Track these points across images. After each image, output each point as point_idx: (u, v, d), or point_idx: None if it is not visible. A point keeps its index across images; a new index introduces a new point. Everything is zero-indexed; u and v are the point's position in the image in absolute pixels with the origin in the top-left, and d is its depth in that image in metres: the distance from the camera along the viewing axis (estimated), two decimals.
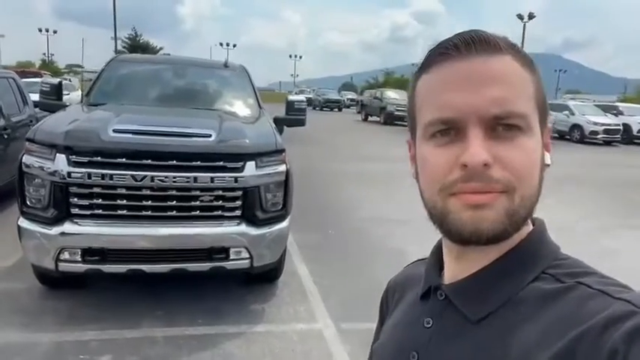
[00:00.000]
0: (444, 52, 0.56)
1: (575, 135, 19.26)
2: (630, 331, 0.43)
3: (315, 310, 3.68)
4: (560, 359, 0.46)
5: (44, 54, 62.14)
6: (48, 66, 53.16)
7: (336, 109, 35.23)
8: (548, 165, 0.59)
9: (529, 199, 0.55)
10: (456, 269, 0.61)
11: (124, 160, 3.09)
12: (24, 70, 22.00)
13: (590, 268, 0.55)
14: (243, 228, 3.33)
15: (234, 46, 73.20)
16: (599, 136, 18.67)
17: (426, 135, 0.58)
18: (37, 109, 6.03)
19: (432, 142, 0.57)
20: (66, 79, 19.04)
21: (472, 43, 0.55)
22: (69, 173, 3.03)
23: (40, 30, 63.14)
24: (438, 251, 0.67)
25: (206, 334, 3.22)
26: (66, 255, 3.10)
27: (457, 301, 0.59)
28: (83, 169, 3.04)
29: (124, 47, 41.55)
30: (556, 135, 19.59)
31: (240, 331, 3.30)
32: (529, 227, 0.59)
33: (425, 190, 0.59)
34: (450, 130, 0.55)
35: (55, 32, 63.83)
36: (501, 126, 0.53)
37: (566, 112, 19.76)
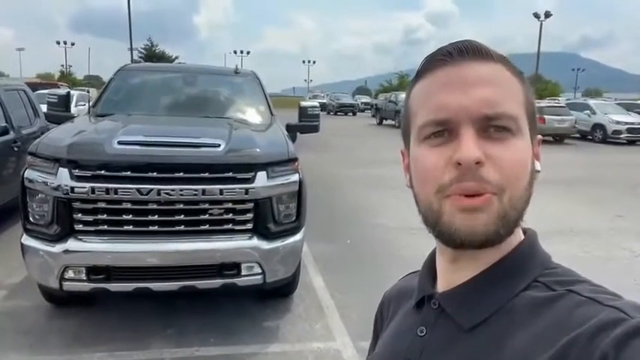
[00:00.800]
0: (438, 58, 0.58)
1: (597, 135, 18.73)
2: (620, 338, 0.43)
3: (333, 327, 3.49)
4: None
5: (62, 66, 63.33)
6: (66, 77, 54.17)
7: (351, 114, 34.96)
8: (539, 171, 0.60)
9: (518, 201, 0.55)
10: (448, 278, 0.62)
11: (129, 173, 2.94)
12: (41, 82, 22.31)
13: (580, 277, 0.56)
14: (255, 242, 3.16)
15: (248, 53, 73.64)
16: (622, 136, 18.08)
17: (420, 137, 0.58)
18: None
19: (426, 143, 0.58)
20: (84, 90, 19.21)
21: (465, 51, 0.57)
22: (72, 188, 2.89)
23: (58, 42, 64.35)
24: (430, 262, 0.68)
25: (217, 355, 3.05)
26: (70, 273, 2.96)
27: (450, 310, 0.59)
28: (87, 184, 2.90)
29: (140, 57, 42.10)
30: (577, 135, 19.10)
31: (254, 351, 3.12)
32: (520, 237, 0.61)
33: (420, 193, 0.60)
34: (444, 132, 0.56)
35: (72, 44, 64.96)
36: (493, 127, 0.54)
37: (587, 111, 19.24)
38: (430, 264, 0.68)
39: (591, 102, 20.99)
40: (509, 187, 0.54)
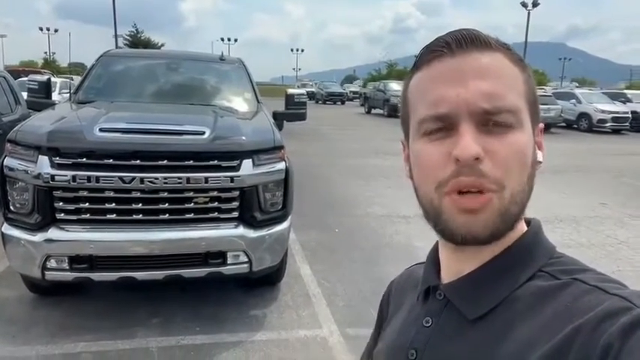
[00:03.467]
0: (436, 49, 0.56)
1: (582, 124, 18.95)
2: (625, 327, 0.43)
3: (319, 315, 3.49)
4: (559, 353, 0.46)
5: (45, 53, 62.07)
6: (50, 65, 53.11)
7: (339, 103, 34.86)
8: (540, 162, 0.59)
9: (519, 195, 0.55)
10: (452, 269, 0.62)
11: (111, 161, 2.88)
12: (24, 69, 21.86)
13: (585, 266, 0.56)
14: (241, 230, 3.13)
15: (236, 40, 72.75)
16: (607, 125, 18.32)
17: (419, 132, 0.58)
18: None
19: (425, 138, 0.57)
20: (68, 78, 18.88)
21: (463, 41, 0.55)
22: (52, 176, 2.83)
23: (41, 29, 63.00)
24: (435, 252, 0.68)
25: (203, 344, 3.04)
26: (52, 263, 2.91)
27: (455, 301, 0.59)
28: (68, 172, 2.84)
29: (125, 44, 41.38)
30: (563, 124, 19.29)
31: (240, 339, 3.11)
32: (524, 227, 0.60)
33: (420, 187, 0.59)
34: (443, 126, 0.55)
35: (56, 31, 63.66)
36: (492, 121, 0.53)
37: (573, 100, 19.42)
38: (434, 254, 0.68)
39: (577, 91, 21.19)
40: (510, 182, 0.54)
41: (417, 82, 0.60)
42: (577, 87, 24.68)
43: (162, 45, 46.59)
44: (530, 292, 0.54)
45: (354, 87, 45.77)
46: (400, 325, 0.69)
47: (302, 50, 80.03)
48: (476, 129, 0.53)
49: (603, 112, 18.41)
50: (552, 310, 0.50)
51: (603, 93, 21.71)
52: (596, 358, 0.43)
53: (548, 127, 18.33)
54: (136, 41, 43.33)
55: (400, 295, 0.76)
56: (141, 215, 2.98)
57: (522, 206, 0.56)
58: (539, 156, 0.60)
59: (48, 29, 62.43)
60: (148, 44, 42.77)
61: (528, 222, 0.62)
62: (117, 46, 35.25)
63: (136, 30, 45.56)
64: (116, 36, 38.12)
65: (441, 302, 0.62)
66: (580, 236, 5.47)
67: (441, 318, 0.61)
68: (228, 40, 69.67)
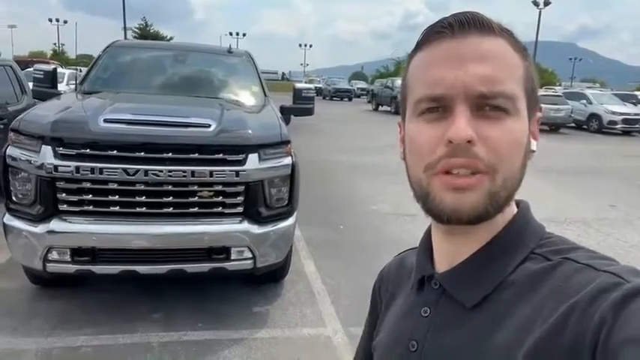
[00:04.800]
0: (438, 30, 0.56)
1: (593, 125, 18.72)
2: (616, 301, 0.44)
3: (324, 313, 3.43)
4: (555, 333, 0.46)
5: (54, 44, 62.32)
6: (59, 56, 53.34)
7: (347, 99, 34.69)
8: (534, 151, 0.59)
9: (510, 181, 0.55)
10: (445, 255, 0.62)
11: (115, 152, 2.83)
12: (32, 59, 21.94)
13: (576, 245, 0.56)
14: (246, 226, 3.08)
15: (244, 35, 72.64)
16: (617, 126, 18.07)
17: (415, 112, 0.58)
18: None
19: (420, 118, 0.57)
20: (77, 69, 18.93)
21: (466, 23, 0.55)
22: (56, 167, 2.79)
23: (51, 20, 63.22)
24: (427, 239, 0.68)
25: (205, 340, 2.99)
26: (54, 255, 2.87)
27: (451, 289, 0.60)
28: (71, 163, 2.80)
29: (134, 37, 41.46)
30: (573, 125, 19.08)
31: (242, 336, 3.06)
32: (513, 210, 0.60)
33: (411, 168, 0.59)
34: (438, 107, 0.55)
35: (65, 22, 63.88)
36: (488, 106, 0.53)
37: (584, 100, 19.19)
38: (426, 241, 0.68)
39: (588, 92, 20.95)
40: (502, 168, 0.53)
41: (416, 62, 0.59)
42: (594, 86, 24.39)
43: (171, 38, 46.67)
44: (524, 274, 0.55)
45: (362, 84, 45.52)
46: (397, 315, 0.69)
47: (310, 46, 79.82)
48: (471, 113, 0.53)
49: (614, 113, 18.17)
50: (546, 291, 0.51)
51: (614, 94, 21.45)
52: (591, 334, 0.44)
53: (558, 127, 18.17)
54: (145, 34, 43.43)
55: (394, 283, 0.75)
56: (144, 208, 2.93)
57: (512, 193, 0.56)
58: (534, 145, 0.59)
59: (57, 20, 62.65)
60: (156, 37, 42.85)
61: (517, 204, 0.62)
62: (125, 39, 35.28)
63: (145, 23, 45.67)
64: (125, 28, 38.17)
65: (437, 291, 0.62)
66: (589, 238, 5.37)
67: (438, 307, 0.61)
68: (237, 34, 69.61)
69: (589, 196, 7.57)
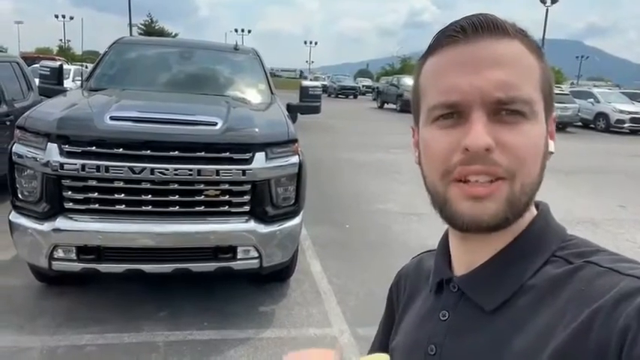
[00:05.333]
0: (451, 34, 0.55)
1: (600, 124, 18.56)
2: None
3: (330, 313, 3.41)
4: (578, 339, 0.45)
5: (60, 40, 62.53)
6: (65, 52, 53.50)
7: (352, 97, 34.55)
8: (552, 153, 0.58)
9: (529, 186, 0.54)
10: (463, 259, 0.61)
11: (120, 150, 2.81)
12: (38, 55, 22.01)
13: (598, 247, 0.55)
14: (252, 225, 3.05)
15: (249, 32, 72.61)
16: (625, 125, 17.90)
17: (429, 118, 0.57)
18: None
19: (435, 125, 0.56)
20: (82, 65, 18.97)
21: (479, 27, 0.53)
22: (61, 164, 2.77)
23: (57, 16, 63.41)
24: (445, 243, 0.67)
25: (211, 340, 2.97)
26: (60, 253, 2.86)
27: (470, 293, 0.59)
28: (77, 160, 2.78)
29: (139, 33, 41.52)
30: (580, 124, 18.93)
31: (248, 336, 3.04)
32: (533, 212, 0.59)
33: (427, 175, 0.59)
34: (454, 114, 0.54)
35: (71, 18, 64.04)
36: (505, 111, 0.52)
37: (591, 99, 19.03)
38: (444, 244, 0.67)
39: (595, 90, 20.77)
40: (521, 174, 0.53)
41: (429, 67, 0.58)
42: (605, 85, 24.16)
43: (176, 35, 46.73)
44: (544, 278, 0.53)
45: (367, 81, 45.37)
46: (416, 318, 0.68)
47: (315, 43, 79.67)
48: (487, 118, 0.52)
49: (622, 112, 17.99)
50: (568, 295, 0.50)
51: (622, 93, 21.26)
52: (615, 341, 0.43)
53: (565, 126, 18.04)
54: (151, 30, 43.49)
55: (412, 285, 0.75)
56: (150, 207, 2.91)
57: (531, 196, 0.55)
58: (551, 146, 0.58)
59: (63, 16, 62.84)
60: (162, 34, 42.91)
61: (537, 205, 0.61)
62: (131, 35, 35.36)
63: (151, 19, 45.71)
64: (130, 25, 38.23)
65: (455, 295, 0.61)
66: (598, 239, 5.25)
67: (457, 311, 0.60)
68: (242, 31, 69.59)
69: (597, 196, 7.49)
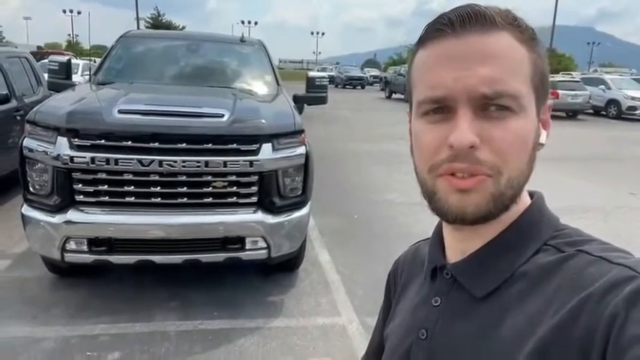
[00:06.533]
0: (439, 28, 0.55)
1: (611, 111, 18.31)
2: (630, 296, 0.43)
3: (338, 303, 3.44)
4: (565, 326, 0.46)
5: (69, 35, 62.83)
6: (73, 47, 53.77)
7: (359, 87, 34.43)
8: (542, 145, 0.58)
9: (516, 180, 0.54)
10: (456, 247, 0.62)
11: (129, 143, 2.84)
12: (47, 50, 22.16)
13: (590, 236, 0.55)
14: (260, 216, 3.08)
15: (256, 23, 72.38)
16: (637, 112, 17.64)
17: (418, 112, 0.58)
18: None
19: (424, 119, 0.57)
20: (90, 60, 19.08)
21: (467, 20, 0.53)
22: (71, 158, 2.81)
23: (65, 11, 63.66)
24: (439, 231, 0.68)
25: (221, 329, 3.01)
26: (72, 245, 2.91)
27: (462, 280, 0.60)
28: (86, 154, 2.82)
29: (147, 27, 41.58)
30: (591, 111, 18.70)
31: (258, 325, 3.08)
32: (527, 202, 0.60)
33: (417, 167, 0.60)
34: (442, 109, 0.55)
35: (79, 13, 64.27)
36: (492, 106, 0.52)
37: (602, 86, 18.76)
38: (439, 232, 0.68)
39: (607, 77, 20.46)
40: (507, 168, 0.53)
41: (419, 60, 0.58)
42: (619, 70, 23.75)
43: (184, 28, 46.71)
44: (536, 266, 0.54)
45: (374, 71, 45.10)
46: (410, 304, 0.69)
47: (322, 34, 79.18)
48: (474, 114, 0.52)
49: (633, 98, 17.73)
50: (558, 283, 0.50)
51: (634, 79, 20.93)
52: (602, 328, 0.43)
53: (576, 113, 17.83)
54: (158, 24, 43.51)
55: (408, 273, 0.76)
56: (159, 199, 2.94)
57: (518, 190, 0.56)
58: (543, 137, 0.58)
59: (71, 11, 63.08)
60: (169, 27, 42.92)
61: (531, 195, 0.61)
62: (138, 29, 35.41)
63: (158, 13, 45.72)
64: (138, 18, 38.29)
65: (448, 281, 0.62)
66: (607, 227, 5.28)
67: (449, 297, 0.61)
68: (249, 22, 69.39)
69: (608, 183, 7.42)
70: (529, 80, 0.54)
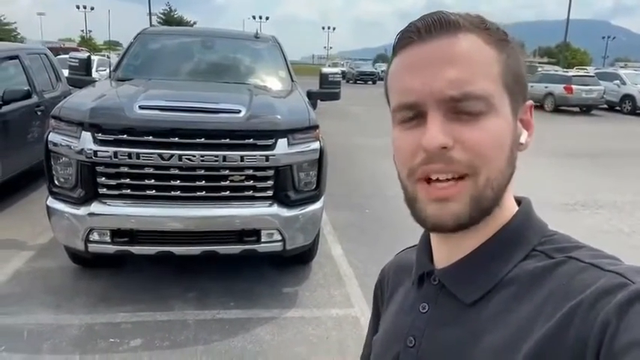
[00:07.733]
0: (408, 36, 0.56)
1: (626, 106, 18.07)
2: (621, 303, 0.43)
3: (351, 295, 3.51)
4: (558, 333, 0.46)
5: (82, 30, 63.44)
6: (87, 42, 54.29)
7: (370, 82, 34.34)
8: (522, 144, 0.58)
9: (495, 181, 0.54)
10: (443, 253, 0.62)
11: (150, 138, 2.94)
12: (61, 46, 22.42)
13: (579, 243, 0.55)
14: (275, 209, 3.16)
15: (267, 18, 72.40)
16: None
17: (394, 120, 0.59)
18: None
19: (399, 126, 0.58)
20: (105, 56, 19.30)
21: (432, 26, 0.54)
22: (95, 152, 2.91)
23: (78, 7, 64.26)
24: (426, 236, 0.67)
25: (238, 319, 3.11)
26: (95, 236, 3.02)
27: (450, 286, 0.59)
28: (109, 148, 2.92)
29: (159, 22, 41.83)
30: (605, 106, 18.48)
31: (273, 315, 3.17)
32: (514, 208, 0.60)
33: (399, 173, 0.60)
34: (414, 115, 0.55)
35: (92, 9, 64.84)
36: (461, 107, 0.53)
37: (617, 81, 18.51)
38: (426, 238, 0.68)
39: (621, 72, 20.19)
40: (485, 169, 0.53)
41: (392, 68, 0.60)
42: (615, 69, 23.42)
43: (195, 23, 46.90)
44: (524, 272, 0.54)
45: (386, 66, 44.86)
46: (396, 311, 0.69)
47: (334, 28, 79.02)
48: (444, 117, 0.53)
49: None
50: (548, 290, 0.50)
51: None
52: (594, 336, 0.43)
53: (590, 108, 17.64)
54: (170, 19, 43.75)
55: (394, 281, 0.75)
56: (179, 192, 3.04)
57: (498, 191, 0.55)
58: (524, 137, 0.59)
59: (85, 7, 63.64)
60: (180, 22, 43.13)
61: (519, 201, 0.61)
62: (150, 24, 35.64)
63: (170, 8, 45.97)
64: (150, 14, 38.55)
65: (435, 287, 0.61)
66: (621, 222, 5.28)
67: (437, 303, 0.61)
68: (260, 17, 69.42)
69: (621, 179, 7.39)
70: (499, 80, 0.54)
